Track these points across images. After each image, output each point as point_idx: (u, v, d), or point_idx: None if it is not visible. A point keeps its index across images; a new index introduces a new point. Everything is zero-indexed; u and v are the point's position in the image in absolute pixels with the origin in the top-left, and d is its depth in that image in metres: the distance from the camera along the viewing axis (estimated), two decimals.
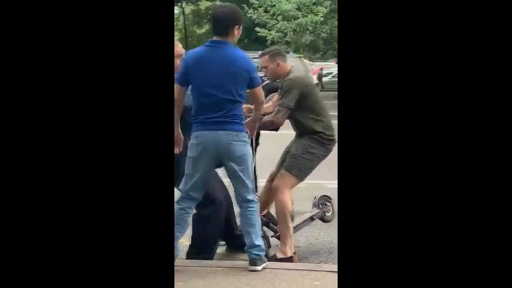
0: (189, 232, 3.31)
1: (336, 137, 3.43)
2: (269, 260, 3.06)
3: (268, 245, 3.34)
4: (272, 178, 3.48)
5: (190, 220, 3.00)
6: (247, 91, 2.92)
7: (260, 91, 2.99)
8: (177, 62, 3.01)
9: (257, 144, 3.51)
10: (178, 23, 22.62)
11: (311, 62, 20.16)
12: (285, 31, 18.61)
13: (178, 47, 3.18)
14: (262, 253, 2.97)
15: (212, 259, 3.24)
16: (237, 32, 2.93)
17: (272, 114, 3.37)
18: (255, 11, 18.82)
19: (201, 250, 3.23)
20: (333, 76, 20.50)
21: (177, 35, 23.37)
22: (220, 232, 3.30)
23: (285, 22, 18.55)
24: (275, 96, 3.52)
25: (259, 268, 2.93)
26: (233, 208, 3.41)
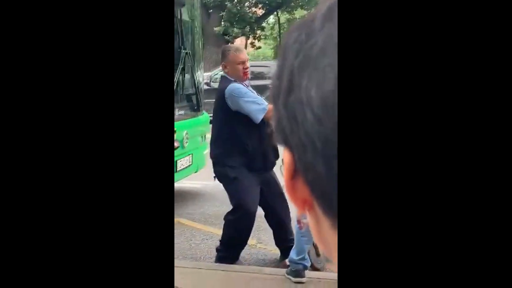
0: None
1: None
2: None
3: (317, 254, 3.37)
4: None
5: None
6: None
7: None
8: (239, 67, 3.24)
9: None
10: (273, 32, 22.89)
11: None
12: None
13: (243, 54, 3.39)
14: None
15: (237, 260, 3.38)
16: None
17: None
18: None
19: (226, 249, 3.45)
20: None
21: (271, 44, 23.69)
22: (245, 238, 3.47)
23: None
24: None
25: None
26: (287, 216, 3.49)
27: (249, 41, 19.20)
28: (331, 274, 3.12)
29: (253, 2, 17.15)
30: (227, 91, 3.26)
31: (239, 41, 18.28)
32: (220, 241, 3.52)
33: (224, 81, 3.37)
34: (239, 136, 3.28)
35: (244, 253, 3.69)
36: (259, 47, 22.68)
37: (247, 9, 17.04)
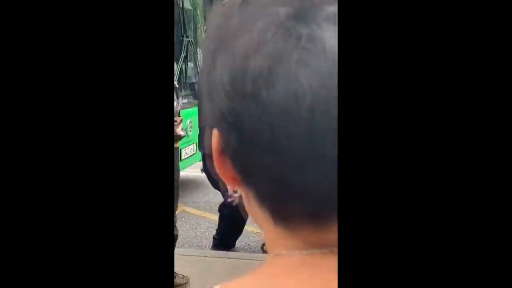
0: None
1: None
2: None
3: None
4: None
5: None
6: None
7: None
8: None
9: None
10: None
11: None
12: None
13: None
14: None
15: (233, 247, 3.56)
16: None
17: None
18: None
19: (222, 238, 3.58)
20: None
21: None
22: (240, 229, 3.57)
23: None
24: None
25: None
26: None
27: None
28: None
29: None
30: None
31: None
32: (217, 230, 3.61)
33: None
34: None
35: (250, 241, 3.71)
36: None
37: None
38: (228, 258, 3.22)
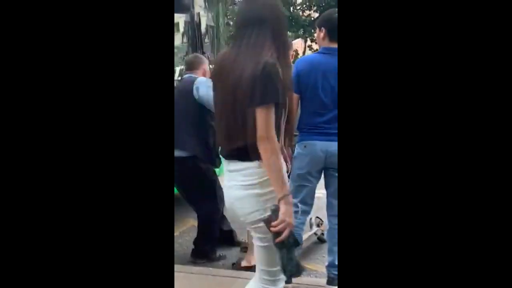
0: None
1: None
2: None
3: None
4: None
5: (303, 236, 3.00)
6: None
7: None
8: None
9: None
10: None
11: None
12: None
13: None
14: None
15: (215, 256, 3.52)
16: None
17: None
18: None
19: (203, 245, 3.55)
20: None
21: None
22: (216, 232, 3.57)
23: None
24: None
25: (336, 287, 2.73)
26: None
27: (307, 44, 19.06)
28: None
29: (307, 4, 16.97)
30: (199, 79, 3.34)
31: (299, 44, 18.20)
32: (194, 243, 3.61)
33: (194, 77, 3.41)
34: (204, 129, 3.33)
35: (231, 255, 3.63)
36: (317, 50, 22.32)
37: (300, 12, 16.88)
38: (213, 275, 3.15)
